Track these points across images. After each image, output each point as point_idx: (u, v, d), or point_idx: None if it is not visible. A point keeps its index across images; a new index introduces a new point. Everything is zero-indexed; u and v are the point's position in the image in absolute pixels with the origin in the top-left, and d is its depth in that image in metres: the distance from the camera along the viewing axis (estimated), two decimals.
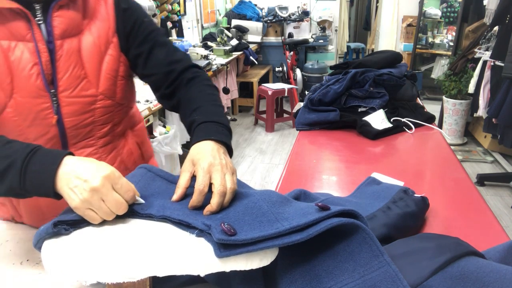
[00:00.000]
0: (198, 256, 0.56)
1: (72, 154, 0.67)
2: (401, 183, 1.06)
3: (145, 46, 0.94)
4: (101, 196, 0.61)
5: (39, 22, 0.83)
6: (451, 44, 4.82)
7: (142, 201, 0.67)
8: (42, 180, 0.64)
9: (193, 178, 0.70)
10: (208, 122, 0.81)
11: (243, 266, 0.55)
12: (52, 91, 0.85)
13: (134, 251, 0.57)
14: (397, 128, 1.58)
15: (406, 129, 1.59)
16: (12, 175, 0.64)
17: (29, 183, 0.64)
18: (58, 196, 0.65)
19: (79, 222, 0.63)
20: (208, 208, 0.64)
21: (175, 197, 0.68)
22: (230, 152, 0.80)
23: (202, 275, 0.56)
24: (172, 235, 0.61)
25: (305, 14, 5.65)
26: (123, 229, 0.62)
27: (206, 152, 0.72)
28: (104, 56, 0.90)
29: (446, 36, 5.45)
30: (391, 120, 1.60)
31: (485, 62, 3.42)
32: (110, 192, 0.61)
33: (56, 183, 0.63)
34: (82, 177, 0.62)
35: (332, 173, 1.25)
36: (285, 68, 5.30)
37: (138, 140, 1.09)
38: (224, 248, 0.55)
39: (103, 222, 0.64)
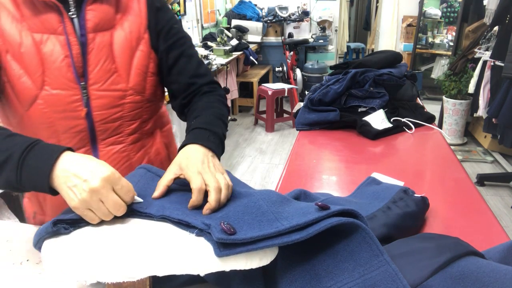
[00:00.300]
0: (198, 256, 0.56)
1: (71, 150, 0.66)
2: (401, 183, 1.06)
3: (173, 53, 0.96)
4: (100, 197, 0.60)
5: (73, 16, 0.85)
6: (451, 44, 4.82)
7: (140, 200, 0.67)
8: (37, 175, 0.63)
9: (184, 181, 0.71)
10: (202, 129, 0.83)
11: (243, 265, 0.55)
12: (82, 83, 0.86)
13: (134, 251, 0.57)
14: (397, 128, 1.58)
15: (406, 129, 1.59)
16: (9, 169, 0.64)
17: (25, 177, 0.64)
18: (54, 192, 0.64)
19: (79, 221, 0.63)
20: (207, 206, 0.65)
21: (156, 193, 0.69)
22: (220, 155, 0.81)
23: (202, 274, 0.56)
24: (172, 234, 0.61)
25: (305, 14, 5.65)
26: (123, 228, 0.62)
27: (194, 157, 0.73)
28: (135, 51, 0.91)
29: (446, 36, 5.45)
30: (391, 120, 1.60)
31: (485, 62, 3.42)
32: (109, 194, 0.61)
33: (53, 179, 0.63)
34: (81, 176, 0.61)
35: (332, 173, 1.25)
36: (285, 68, 5.30)
37: (166, 141, 1.10)
38: (224, 247, 0.55)
39: (103, 222, 0.64)
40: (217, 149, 0.80)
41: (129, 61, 0.91)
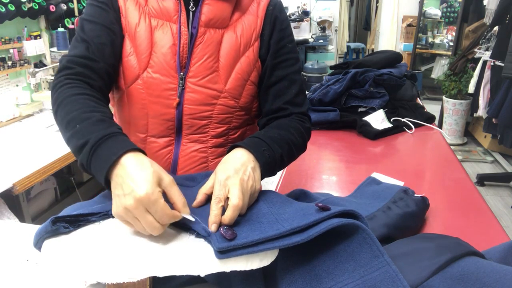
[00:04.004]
0: (198, 257, 0.56)
1: (141, 151, 0.65)
2: (401, 183, 1.06)
3: (277, 73, 0.93)
4: (135, 216, 0.58)
5: (192, 9, 0.87)
6: (451, 44, 4.82)
7: (192, 219, 0.61)
8: (100, 166, 0.63)
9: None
10: (260, 140, 0.78)
11: (243, 266, 0.55)
12: (181, 74, 0.88)
13: (134, 251, 0.57)
14: (397, 128, 1.58)
15: (406, 129, 1.59)
16: (84, 153, 0.66)
17: (93, 165, 0.65)
18: (109, 187, 0.64)
19: (78, 221, 0.63)
20: (210, 220, 0.61)
21: (195, 202, 0.67)
22: (266, 175, 0.76)
23: (202, 275, 0.56)
24: (172, 235, 0.61)
25: (305, 14, 5.65)
26: (123, 229, 0.62)
27: (231, 163, 0.70)
28: (241, 56, 0.90)
29: (446, 36, 5.44)
30: (391, 120, 1.60)
31: (485, 62, 3.42)
32: (143, 215, 0.58)
33: (112, 177, 0.62)
34: (124, 189, 0.59)
35: (332, 173, 1.25)
36: None
37: None
38: (225, 251, 0.55)
39: (103, 222, 0.64)
40: (265, 166, 0.74)
41: (232, 64, 0.89)
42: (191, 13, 0.87)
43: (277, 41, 0.93)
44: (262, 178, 0.74)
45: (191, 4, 0.87)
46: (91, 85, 0.81)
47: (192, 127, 0.92)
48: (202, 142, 0.94)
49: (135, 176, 0.60)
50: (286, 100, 0.93)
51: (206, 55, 0.88)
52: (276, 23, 0.93)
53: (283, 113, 0.93)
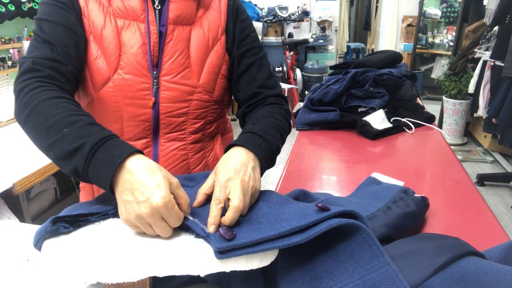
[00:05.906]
0: (198, 257, 0.56)
1: (141, 152, 0.64)
2: (401, 183, 1.06)
3: (245, 61, 0.96)
4: (148, 222, 0.58)
5: (157, 8, 0.87)
6: (451, 44, 4.83)
7: (190, 218, 0.62)
8: (103, 170, 0.61)
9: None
10: (255, 134, 0.78)
11: (243, 266, 0.55)
12: (155, 73, 0.88)
13: (134, 251, 0.57)
14: (397, 128, 1.58)
15: (406, 129, 1.59)
16: (79, 157, 0.63)
17: (92, 169, 0.62)
18: (113, 192, 0.62)
19: (78, 221, 0.63)
20: (209, 221, 0.61)
21: (195, 203, 0.66)
22: (267, 167, 0.77)
23: (202, 275, 0.56)
24: (172, 235, 0.61)
25: (305, 14, 5.65)
26: (123, 229, 0.62)
27: (231, 163, 0.68)
28: (210, 51, 0.93)
29: (446, 36, 5.45)
30: (391, 120, 1.60)
31: (485, 62, 3.42)
32: (157, 222, 0.57)
33: (116, 181, 0.60)
34: (136, 196, 0.58)
35: (332, 173, 1.25)
36: (285, 68, 5.30)
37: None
38: (224, 251, 0.55)
39: (103, 222, 0.64)
40: (265, 159, 0.75)
41: (203, 59, 0.91)
42: (157, 12, 0.87)
43: (241, 31, 0.96)
44: (263, 171, 0.75)
45: (156, 3, 0.87)
46: (62, 89, 0.77)
47: (169, 125, 0.92)
48: (181, 140, 0.95)
49: (148, 183, 0.58)
50: (259, 84, 0.95)
51: (177, 52, 0.88)
52: (238, 14, 0.96)
53: (259, 98, 0.95)
